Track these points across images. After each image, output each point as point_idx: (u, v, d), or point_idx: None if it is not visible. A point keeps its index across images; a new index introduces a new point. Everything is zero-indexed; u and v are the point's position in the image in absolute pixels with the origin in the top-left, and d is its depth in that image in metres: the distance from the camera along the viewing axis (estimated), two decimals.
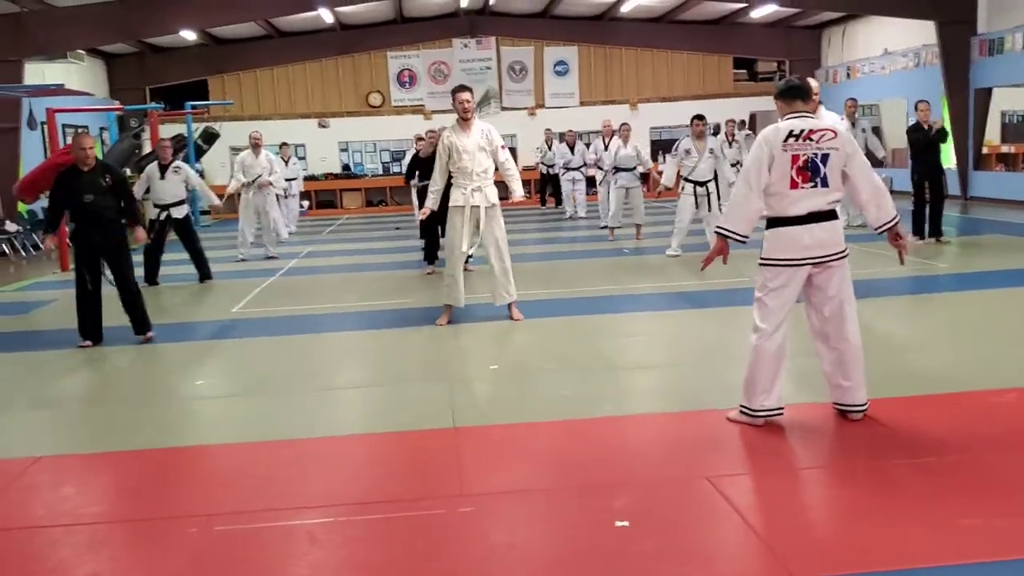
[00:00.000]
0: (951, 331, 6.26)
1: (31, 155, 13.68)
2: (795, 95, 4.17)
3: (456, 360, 6.02)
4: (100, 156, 10.48)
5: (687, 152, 10.01)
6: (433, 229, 9.69)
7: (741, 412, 4.20)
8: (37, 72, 15.05)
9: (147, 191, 9.85)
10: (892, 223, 4.13)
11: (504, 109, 20.80)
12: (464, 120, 6.79)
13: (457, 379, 5.43)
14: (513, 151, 14.47)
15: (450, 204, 6.83)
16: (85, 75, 17.67)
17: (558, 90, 21.28)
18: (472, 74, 20.28)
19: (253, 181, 11.85)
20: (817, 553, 2.96)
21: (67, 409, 5.30)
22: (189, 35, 17.73)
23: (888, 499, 3.32)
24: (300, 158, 19.38)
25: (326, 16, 17.86)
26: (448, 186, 6.91)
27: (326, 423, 4.69)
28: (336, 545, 3.20)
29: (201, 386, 5.75)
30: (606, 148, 12.99)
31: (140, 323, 6.81)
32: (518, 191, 7.04)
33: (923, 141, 10.24)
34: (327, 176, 20.75)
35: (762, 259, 4.14)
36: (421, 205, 7.72)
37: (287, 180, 14.73)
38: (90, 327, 6.71)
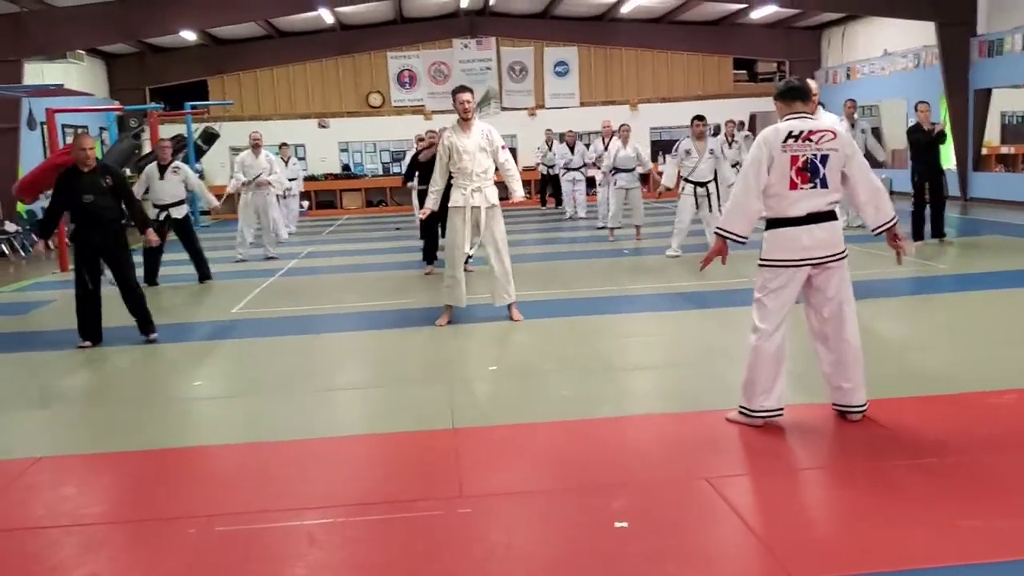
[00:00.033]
0: (951, 332, 6.26)
1: (30, 155, 13.67)
2: (794, 96, 4.18)
3: (456, 361, 6.02)
4: (100, 156, 10.50)
5: (687, 153, 10.01)
6: (433, 229, 9.70)
7: (740, 413, 4.20)
8: (37, 72, 15.05)
9: (146, 191, 9.85)
10: (890, 224, 4.13)
11: (504, 109, 20.80)
12: (464, 120, 6.79)
13: (457, 380, 5.43)
14: (513, 151, 14.41)
15: (450, 204, 6.84)
16: (85, 75, 17.66)
17: (558, 90, 21.28)
18: (472, 74, 20.27)
19: (252, 181, 11.86)
20: (816, 554, 2.97)
21: (67, 409, 5.31)
22: (189, 35, 17.71)
23: (888, 500, 3.33)
24: (300, 158, 19.38)
25: (326, 16, 17.86)
26: (448, 186, 6.92)
27: (326, 424, 4.69)
28: (336, 546, 3.20)
29: (201, 386, 5.75)
30: (606, 148, 13.00)
31: (145, 323, 6.81)
32: (518, 192, 7.05)
33: (923, 142, 10.24)
34: (327, 176, 20.75)
35: (761, 260, 4.15)
36: (421, 206, 7.72)
37: (288, 180, 14.73)
38: (90, 327, 6.71)
